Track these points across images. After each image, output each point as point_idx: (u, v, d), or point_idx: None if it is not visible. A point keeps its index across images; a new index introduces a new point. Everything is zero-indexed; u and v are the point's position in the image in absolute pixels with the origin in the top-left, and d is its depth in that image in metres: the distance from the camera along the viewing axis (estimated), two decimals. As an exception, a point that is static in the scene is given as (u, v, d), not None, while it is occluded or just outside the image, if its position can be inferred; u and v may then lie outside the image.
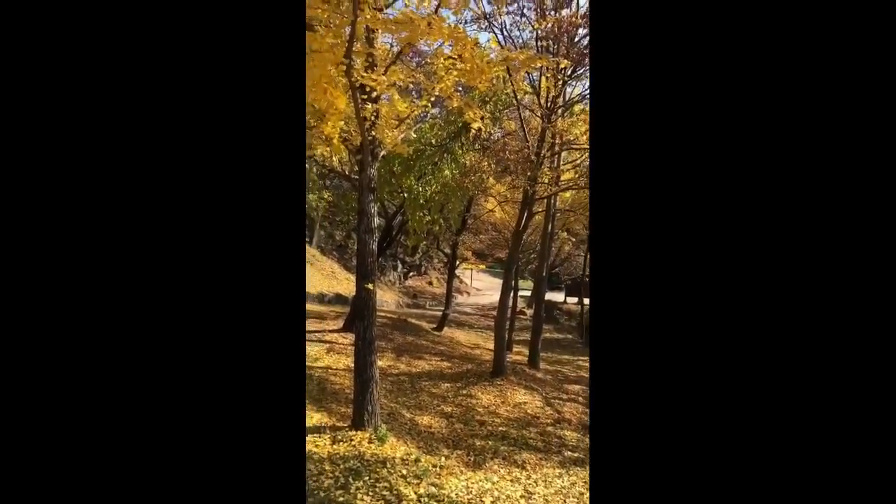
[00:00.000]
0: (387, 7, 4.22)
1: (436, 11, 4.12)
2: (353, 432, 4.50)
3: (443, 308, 13.01)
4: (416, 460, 4.27)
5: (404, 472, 4.00)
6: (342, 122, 4.25)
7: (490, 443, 5.18)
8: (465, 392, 6.89)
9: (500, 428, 5.70)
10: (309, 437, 4.33)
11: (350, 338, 7.83)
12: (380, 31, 4.03)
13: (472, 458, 4.69)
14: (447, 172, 8.75)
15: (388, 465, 4.04)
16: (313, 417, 4.86)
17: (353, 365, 5.01)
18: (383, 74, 3.86)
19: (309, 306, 11.50)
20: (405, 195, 9.06)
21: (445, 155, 8.81)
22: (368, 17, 3.10)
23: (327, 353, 7.41)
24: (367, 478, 3.77)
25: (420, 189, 8.67)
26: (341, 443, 4.30)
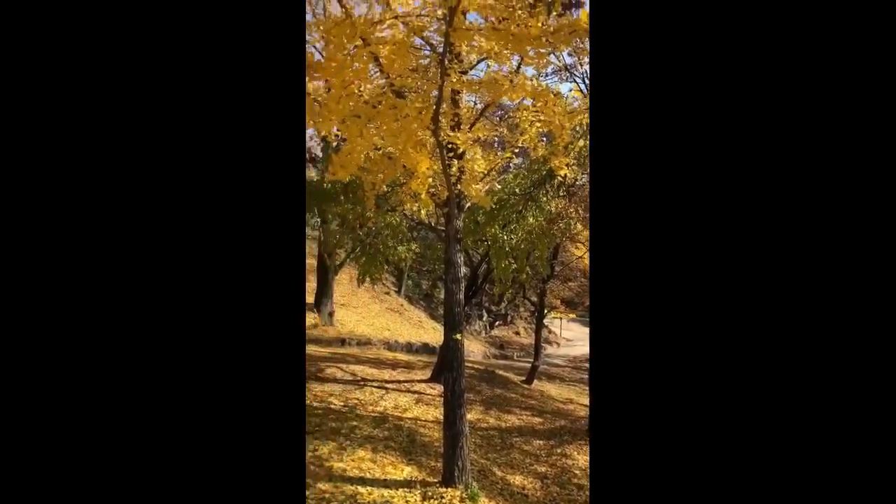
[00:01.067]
0: (471, 69, 4.47)
1: (517, 69, 4.27)
2: (444, 489, 4.37)
3: (531, 359, 12.57)
4: (510, 525, 4.02)
5: (497, 536, 3.78)
6: (430, 179, 4.47)
7: (590, 510, 4.75)
8: (559, 451, 6.47)
9: (601, 494, 5.22)
10: (399, 492, 4.28)
11: (438, 388, 7.79)
12: (464, 91, 4.26)
13: (570, 527, 4.32)
14: (532, 220, 8.71)
15: (481, 528, 3.85)
16: (403, 470, 4.82)
17: (441, 417, 4.96)
18: (468, 132, 4.03)
19: (398, 355, 11.72)
20: (490, 244, 9.12)
21: (530, 203, 8.81)
22: (454, 80, 3.30)
23: (416, 403, 7.42)
24: (458, 540, 3.61)
25: (505, 237, 8.70)
26: (432, 500, 4.19)
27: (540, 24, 2.79)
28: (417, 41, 3.96)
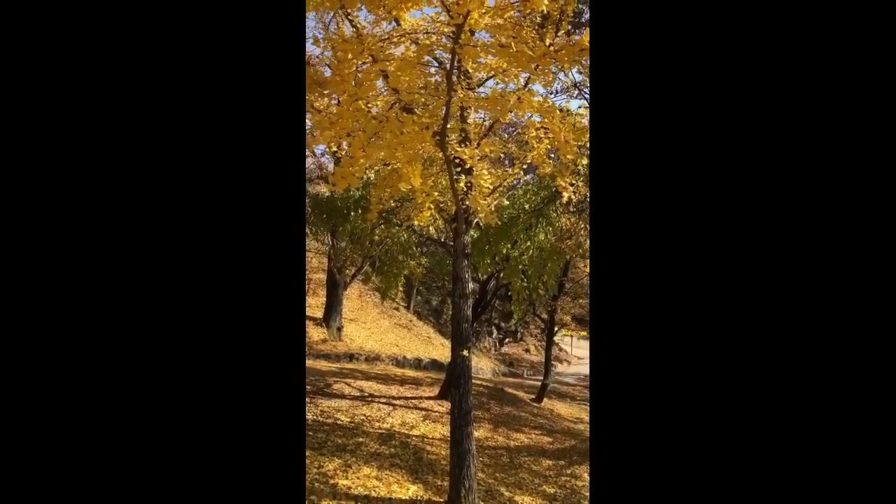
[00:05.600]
0: (479, 86, 4.51)
1: (525, 86, 4.31)
2: (449, 509, 4.28)
3: (542, 378, 12.39)
4: (516, 547, 3.92)
5: (503, 559, 3.68)
6: (437, 193, 4.48)
7: (599, 534, 4.61)
8: (568, 472, 6.32)
9: (611, 517, 5.07)
10: (404, 511, 4.20)
11: (445, 406, 7.70)
12: (472, 108, 4.29)
13: (579, 551, 4.19)
14: (542, 237, 8.67)
15: (486, 551, 3.75)
16: (409, 489, 4.74)
17: (448, 435, 4.89)
18: (476, 148, 4.05)
19: (406, 371, 11.63)
20: (500, 261, 9.08)
21: (540, 219, 8.79)
22: (461, 96, 3.33)
23: (423, 420, 7.33)
24: (463, 562, 3.51)
25: (515, 254, 8.66)
26: (437, 520, 4.11)
27: (546, 44, 2.82)
28: (428, 58, 4.02)
